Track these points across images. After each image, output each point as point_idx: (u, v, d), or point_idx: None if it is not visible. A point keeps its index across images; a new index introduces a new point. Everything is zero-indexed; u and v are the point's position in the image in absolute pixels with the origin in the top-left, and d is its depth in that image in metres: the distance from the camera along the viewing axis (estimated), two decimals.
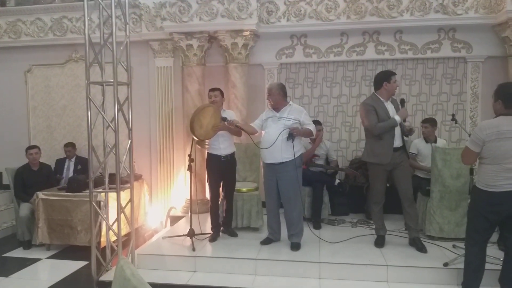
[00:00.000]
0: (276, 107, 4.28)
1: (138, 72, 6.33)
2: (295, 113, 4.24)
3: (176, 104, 6.21)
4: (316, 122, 5.07)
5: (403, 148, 4.33)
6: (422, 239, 4.56)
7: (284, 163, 4.20)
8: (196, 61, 5.82)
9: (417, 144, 5.33)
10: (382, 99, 4.23)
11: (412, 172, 5.06)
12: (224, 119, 4.29)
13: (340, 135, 6.15)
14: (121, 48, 4.11)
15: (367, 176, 4.80)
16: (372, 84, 4.34)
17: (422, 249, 4.38)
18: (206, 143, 4.53)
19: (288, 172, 4.22)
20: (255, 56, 6.06)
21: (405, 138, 4.36)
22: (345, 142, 6.16)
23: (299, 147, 4.27)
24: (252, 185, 5.25)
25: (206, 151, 4.70)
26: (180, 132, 6.20)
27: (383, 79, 4.21)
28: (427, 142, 5.27)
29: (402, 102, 4.27)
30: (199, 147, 4.67)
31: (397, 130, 4.23)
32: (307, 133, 4.24)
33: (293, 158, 4.16)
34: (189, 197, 5.48)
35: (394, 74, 4.26)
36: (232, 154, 4.69)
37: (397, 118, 4.10)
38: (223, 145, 4.60)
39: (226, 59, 5.80)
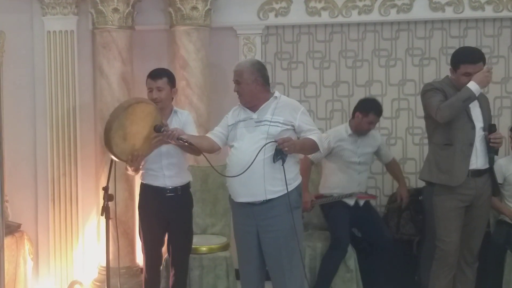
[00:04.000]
0: (252, 104, 3.69)
1: (14, 41, 5.26)
2: (286, 112, 3.67)
3: (83, 99, 5.27)
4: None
5: (490, 173, 3.82)
6: None
7: (270, 202, 3.55)
8: (118, 22, 4.97)
9: (503, 166, 4.48)
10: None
11: (497, 215, 4.38)
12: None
13: None
14: None
15: (419, 221, 4.42)
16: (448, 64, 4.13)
17: None
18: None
19: (277, 218, 3.52)
20: (222, 14, 5.15)
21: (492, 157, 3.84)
22: (379, 164, 5.15)
23: (295, 172, 3.64)
24: (218, 241, 4.69)
25: (140, 180, 4.15)
26: (89, 147, 5.27)
27: (453, 61, 3.84)
28: None
29: (492, 127, 3.81)
30: (129, 172, 3.99)
31: (479, 143, 3.74)
32: (308, 147, 3.66)
33: (285, 192, 3.53)
34: (105, 264, 4.50)
35: (479, 59, 3.73)
36: (185, 187, 4.06)
37: (473, 85, 3.66)
38: (168, 171, 3.94)
39: (172, 19, 5.03)
